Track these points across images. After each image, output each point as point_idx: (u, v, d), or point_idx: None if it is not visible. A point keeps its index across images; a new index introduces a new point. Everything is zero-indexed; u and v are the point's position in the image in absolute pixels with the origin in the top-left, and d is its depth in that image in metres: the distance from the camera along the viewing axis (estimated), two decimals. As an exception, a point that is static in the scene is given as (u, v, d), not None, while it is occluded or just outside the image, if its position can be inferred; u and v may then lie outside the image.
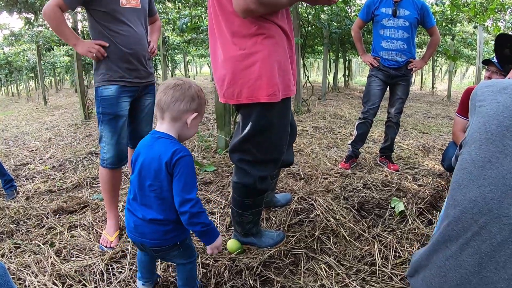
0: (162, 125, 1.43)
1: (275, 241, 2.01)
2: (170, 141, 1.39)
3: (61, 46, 11.50)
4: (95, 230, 2.27)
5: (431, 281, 1.22)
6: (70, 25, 6.79)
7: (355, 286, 1.69)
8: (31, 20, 6.38)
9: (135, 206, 1.44)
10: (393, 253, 1.95)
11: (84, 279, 1.76)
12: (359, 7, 8.32)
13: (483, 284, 1.07)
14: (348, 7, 7.80)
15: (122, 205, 2.53)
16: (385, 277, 1.77)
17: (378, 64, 3.20)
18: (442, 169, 3.17)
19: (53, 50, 12.05)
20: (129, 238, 1.73)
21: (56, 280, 1.75)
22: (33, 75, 19.79)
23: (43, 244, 2.09)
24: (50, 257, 1.93)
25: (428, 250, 1.26)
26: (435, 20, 3.21)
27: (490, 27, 8.36)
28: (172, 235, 1.43)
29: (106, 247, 2.06)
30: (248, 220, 1.92)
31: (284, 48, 1.64)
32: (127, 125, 2.19)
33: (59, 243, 2.10)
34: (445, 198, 2.06)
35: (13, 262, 1.90)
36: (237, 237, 2.00)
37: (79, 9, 6.12)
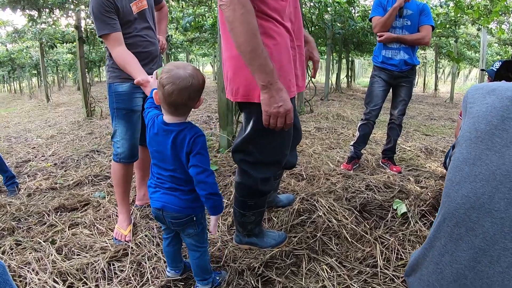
0: None
1: (277, 242, 2.00)
2: None
3: (64, 43, 11.52)
4: (97, 228, 2.27)
5: (428, 278, 1.23)
6: (73, 22, 6.83)
7: (356, 288, 1.69)
8: (35, 17, 6.38)
9: None
10: (395, 255, 1.94)
11: (85, 277, 1.76)
12: (363, 8, 8.30)
13: (479, 278, 1.10)
14: (352, 7, 7.79)
15: (132, 200, 2.55)
16: (386, 279, 1.76)
17: None
18: (445, 171, 3.16)
19: (56, 48, 12.03)
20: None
21: (57, 278, 1.75)
22: (35, 72, 19.85)
23: (44, 242, 2.09)
24: (51, 255, 1.93)
25: (424, 248, 1.27)
26: (434, 23, 3.16)
27: (494, 30, 8.34)
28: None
29: (121, 240, 2.08)
30: (250, 221, 1.91)
31: (286, 48, 1.57)
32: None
33: (60, 241, 2.10)
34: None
35: (14, 259, 1.90)
36: (239, 237, 2.00)
37: (82, 6, 6.12)
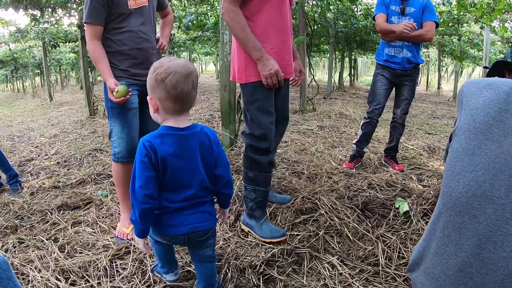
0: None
1: (271, 235, 2.03)
2: None
3: (67, 43, 11.54)
4: (99, 226, 2.28)
5: (433, 271, 1.24)
6: (75, 22, 6.84)
7: (358, 286, 1.68)
8: (37, 17, 6.40)
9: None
10: (396, 253, 1.94)
11: (87, 275, 1.77)
12: (365, 6, 8.27)
13: (484, 265, 1.12)
14: (354, 6, 7.76)
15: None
16: (388, 278, 1.76)
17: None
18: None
19: (59, 47, 12.08)
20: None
21: (60, 275, 1.76)
22: (38, 71, 19.91)
23: (47, 240, 2.10)
24: (54, 253, 1.94)
25: (426, 240, 1.29)
26: (439, 20, 3.13)
27: (497, 28, 8.29)
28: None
29: (123, 238, 2.09)
30: (251, 197, 2.09)
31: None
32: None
33: (63, 239, 2.11)
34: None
35: (17, 257, 1.91)
36: (244, 216, 2.18)
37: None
